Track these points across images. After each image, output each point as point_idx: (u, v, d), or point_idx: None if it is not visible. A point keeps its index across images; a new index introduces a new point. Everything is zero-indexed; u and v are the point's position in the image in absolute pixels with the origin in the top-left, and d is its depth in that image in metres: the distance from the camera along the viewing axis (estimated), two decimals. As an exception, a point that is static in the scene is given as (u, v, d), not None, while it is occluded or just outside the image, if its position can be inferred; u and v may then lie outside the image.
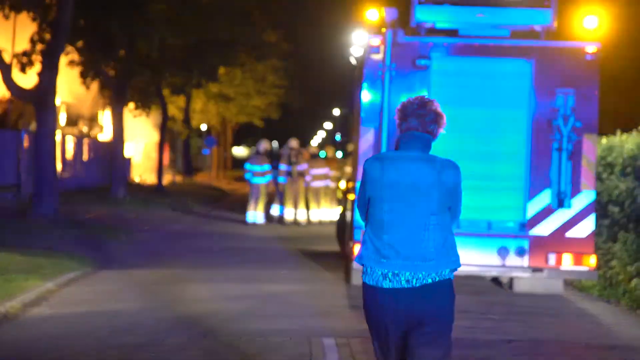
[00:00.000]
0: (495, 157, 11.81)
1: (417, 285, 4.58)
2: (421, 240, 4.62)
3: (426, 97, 5.07)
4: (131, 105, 33.95)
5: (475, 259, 11.66)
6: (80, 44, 27.53)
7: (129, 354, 8.34)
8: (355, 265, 12.00)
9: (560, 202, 11.59)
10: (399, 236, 4.62)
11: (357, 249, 11.87)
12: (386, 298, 4.62)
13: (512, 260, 11.65)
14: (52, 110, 22.90)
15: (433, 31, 12.16)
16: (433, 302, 4.68)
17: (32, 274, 12.25)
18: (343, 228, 15.88)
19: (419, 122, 4.84)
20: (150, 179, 42.36)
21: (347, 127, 17.91)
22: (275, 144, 48.02)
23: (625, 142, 13.23)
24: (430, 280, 4.60)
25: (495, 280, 12.97)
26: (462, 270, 12.07)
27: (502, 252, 11.64)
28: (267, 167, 23.37)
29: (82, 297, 11.61)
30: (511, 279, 12.52)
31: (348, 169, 19.58)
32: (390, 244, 4.62)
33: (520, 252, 11.65)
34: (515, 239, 11.66)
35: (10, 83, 22.46)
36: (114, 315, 10.28)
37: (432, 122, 4.91)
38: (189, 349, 8.55)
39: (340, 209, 18.93)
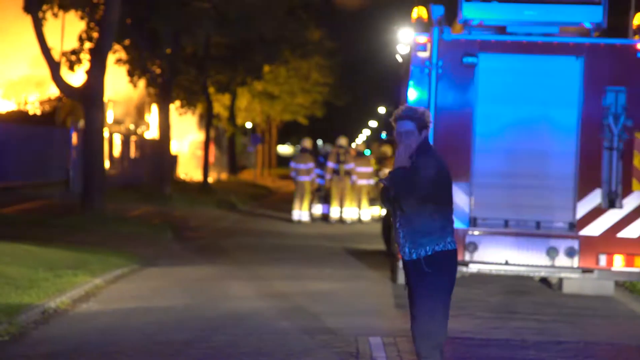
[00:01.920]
0: (544, 156, 11.66)
1: None
2: None
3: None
4: (177, 103, 34.21)
5: (523, 258, 11.58)
6: (127, 42, 27.81)
7: (177, 350, 8.38)
8: (401, 263, 12.05)
9: (611, 202, 11.38)
10: None
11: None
12: None
13: (562, 260, 11.48)
14: (100, 108, 23.11)
15: (481, 28, 11.98)
16: None
17: (81, 270, 12.41)
18: (389, 227, 15.83)
19: None
20: (196, 176, 42.58)
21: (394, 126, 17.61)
22: (319, 142, 48.11)
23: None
24: None
25: (544, 280, 12.81)
26: (511, 269, 12.02)
27: (551, 252, 11.47)
28: (311, 165, 23.39)
29: (129, 293, 11.72)
30: (560, 280, 12.37)
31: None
32: None
33: (570, 253, 11.47)
34: (565, 239, 11.48)
35: (59, 81, 22.74)
36: (162, 312, 10.36)
37: None
38: (236, 346, 8.55)
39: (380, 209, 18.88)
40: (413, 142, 5.87)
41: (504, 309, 11.09)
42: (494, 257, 11.57)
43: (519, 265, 11.59)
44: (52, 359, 8.04)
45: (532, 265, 11.61)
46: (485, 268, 11.71)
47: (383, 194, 6.08)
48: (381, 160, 24.67)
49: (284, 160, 66.46)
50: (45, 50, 22.54)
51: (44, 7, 22.83)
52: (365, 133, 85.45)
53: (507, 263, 11.56)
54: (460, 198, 11.49)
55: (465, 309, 10.88)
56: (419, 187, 5.72)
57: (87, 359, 8.07)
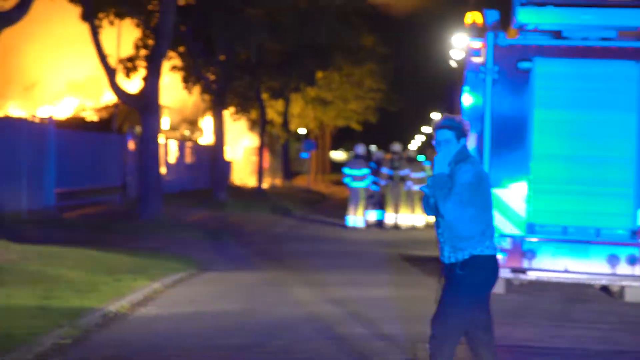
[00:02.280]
0: (603, 162, 11.45)
1: None
2: None
3: None
4: (231, 109, 34.45)
5: (583, 266, 11.46)
6: (182, 49, 28.10)
7: (235, 354, 8.46)
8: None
9: None
10: None
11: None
12: None
13: (623, 268, 11.31)
14: (156, 114, 23.36)
15: (536, 33, 11.89)
16: None
17: (140, 275, 12.56)
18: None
19: None
20: (250, 182, 42.86)
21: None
22: (373, 147, 48.09)
23: None
24: None
25: (605, 288, 12.61)
26: (570, 277, 11.86)
27: (612, 260, 11.31)
28: (366, 170, 23.36)
29: (187, 297, 11.81)
30: (622, 288, 12.12)
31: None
32: None
33: (632, 261, 11.29)
34: (626, 247, 11.32)
35: (116, 88, 23.05)
36: (219, 316, 10.42)
37: None
38: (292, 352, 8.59)
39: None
40: (451, 150, 6.09)
41: (564, 317, 10.96)
42: (553, 264, 11.48)
43: (578, 273, 11.46)
44: None
45: (592, 273, 11.45)
46: (543, 275, 11.62)
47: (424, 201, 6.30)
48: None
49: (337, 166, 66.43)
50: (102, 57, 22.85)
51: (101, 15, 23.19)
52: (419, 139, 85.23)
53: (566, 271, 11.45)
54: (518, 204, 11.50)
55: (525, 317, 10.85)
56: (457, 192, 5.92)
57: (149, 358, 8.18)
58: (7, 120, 24.54)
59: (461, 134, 6.16)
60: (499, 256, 11.54)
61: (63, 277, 11.89)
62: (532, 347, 9.17)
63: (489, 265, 6.16)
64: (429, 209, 6.21)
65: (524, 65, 11.37)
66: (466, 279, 6.06)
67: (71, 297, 10.54)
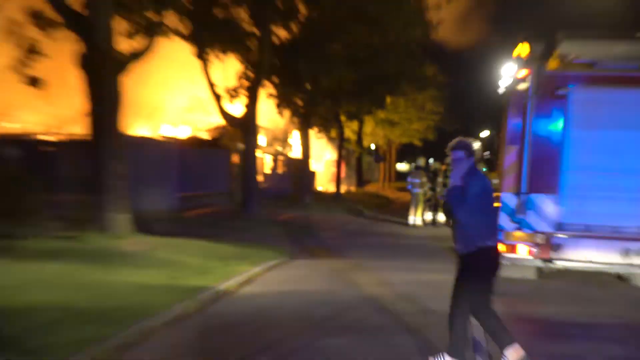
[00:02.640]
0: (620, 173, 11.34)
1: None
2: None
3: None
4: (315, 128, 34.42)
5: (601, 257, 11.42)
6: (275, 80, 28.26)
7: (317, 323, 8.62)
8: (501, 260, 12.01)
9: None
10: None
11: (499, 247, 11.94)
12: None
13: (634, 259, 11.29)
14: (255, 134, 23.74)
15: (572, 64, 11.47)
16: None
17: (243, 261, 12.74)
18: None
19: None
20: (330, 188, 42.87)
21: (493, 146, 17.50)
22: (431, 160, 47.90)
23: None
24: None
25: (619, 276, 12.51)
26: (590, 266, 11.82)
27: (625, 252, 11.29)
28: (424, 179, 23.41)
29: (281, 279, 11.92)
30: (632, 275, 12.13)
31: (495, 181, 19.34)
32: None
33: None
34: (637, 242, 11.27)
35: (223, 112, 23.46)
36: (305, 294, 10.57)
37: None
38: (364, 322, 8.72)
39: None
40: (464, 166, 6.49)
41: (585, 298, 10.97)
42: (576, 255, 11.41)
43: (597, 262, 11.40)
44: (223, 329, 8.37)
45: (608, 263, 11.38)
46: (568, 265, 11.55)
47: (445, 206, 6.96)
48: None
49: (401, 176, 65.82)
50: (211, 87, 23.28)
51: (210, 52, 23.51)
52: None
53: (588, 261, 11.40)
54: (550, 207, 11.44)
55: (553, 297, 10.89)
56: (467, 201, 6.35)
57: (250, 329, 8.35)
58: (142, 139, 25.07)
59: (470, 153, 6.54)
60: (530, 249, 11.72)
61: (184, 263, 12.18)
62: (557, 321, 9.23)
63: (491, 254, 6.57)
64: (448, 212, 6.79)
65: (561, 92, 11.24)
66: (473, 266, 6.53)
67: (191, 278, 10.82)
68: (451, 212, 6.61)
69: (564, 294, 11.22)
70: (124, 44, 16.09)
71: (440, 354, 6.79)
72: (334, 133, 38.77)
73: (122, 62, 14.84)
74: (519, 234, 11.55)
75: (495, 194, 17.23)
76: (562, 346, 7.96)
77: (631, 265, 11.36)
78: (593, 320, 9.32)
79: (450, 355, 6.70)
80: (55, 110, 42.61)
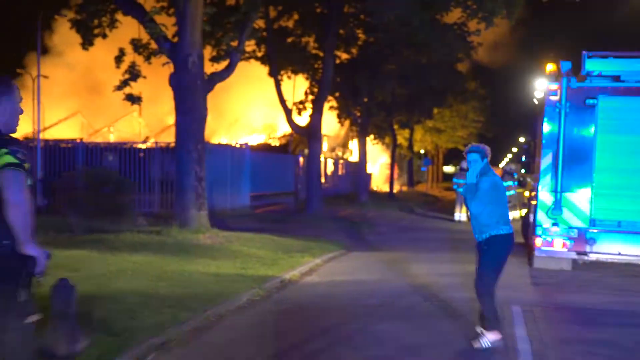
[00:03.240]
0: None
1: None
2: None
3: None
4: (371, 136, 34.49)
5: (632, 250, 11.14)
6: (337, 94, 28.41)
7: (370, 310, 8.47)
8: (537, 252, 11.56)
9: None
10: None
11: (537, 241, 11.50)
12: None
13: None
14: (319, 141, 23.82)
15: (599, 77, 11.45)
16: None
17: (306, 253, 12.73)
18: (527, 225, 15.40)
19: None
20: (384, 188, 42.79)
21: (530, 151, 17.16)
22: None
23: None
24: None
25: None
26: (622, 258, 11.42)
27: None
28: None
29: (338, 270, 11.85)
30: None
31: (530, 182, 18.87)
32: None
33: None
34: None
35: (291, 122, 23.62)
36: (360, 283, 10.43)
37: None
38: (413, 309, 8.56)
39: (525, 210, 18.24)
40: (478, 167, 6.68)
41: (617, 288, 10.52)
42: (608, 249, 11.18)
43: (628, 255, 11.12)
44: (288, 313, 8.29)
45: (638, 255, 11.12)
46: (602, 257, 11.29)
47: (463, 200, 7.01)
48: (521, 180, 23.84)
49: (447, 177, 65.38)
50: (282, 101, 23.54)
51: (282, 72, 23.91)
52: (509, 157, 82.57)
53: (619, 254, 11.14)
54: (583, 204, 11.24)
55: (587, 287, 10.46)
56: (479, 196, 6.63)
57: (310, 315, 8.28)
58: (219, 146, 25.42)
59: (484, 155, 6.73)
60: (565, 242, 11.41)
61: (253, 254, 12.18)
62: (593, 309, 8.88)
63: (504, 240, 6.74)
64: (465, 206, 6.88)
65: (590, 102, 11.11)
66: (489, 251, 6.71)
67: (259, 268, 10.83)
68: (467, 206, 6.91)
69: (597, 284, 10.80)
70: (209, 66, 16.38)
71: (481, 333, 6.78)
72: (387, 139, 38.78)
73: (207, 81, 15.08)
74: (555, 229, 11.37)
75: (527, 195, 16.78)
76: (596, 332, 7.61)
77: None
78: (624, 308, 8.91)
79: (488, 329, 6.72)
80: (146, 121, 43.60)
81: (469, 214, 7.15)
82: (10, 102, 3.98)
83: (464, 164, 25.66)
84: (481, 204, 6.68)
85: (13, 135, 4.02)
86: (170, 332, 6.84)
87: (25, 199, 3.83)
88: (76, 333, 5.73)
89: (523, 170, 24.15)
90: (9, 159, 3.78)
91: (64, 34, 35.02)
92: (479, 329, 6.82)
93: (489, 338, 6.68)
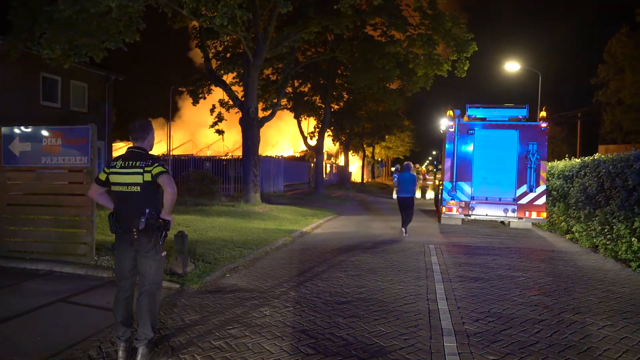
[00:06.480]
0: (500, 170, 10.94)
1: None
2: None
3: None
4: (352, 150, 34.30)
5: (491, 212, 10.79)
6: (332, 128, 28.30)
7: (351, 247, 8.31)
8: (443, 215, 11.34)
9: (531, 188, 10.74)
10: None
11: (443, 209, 11.37)
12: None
13: (509, 214, 10.77)
14: (322, 154, 23.62)
15: (475, 119, 11.42)
16: None
17: (315, 217, 12.61)
18: (437, 200, 15.39)
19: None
20: (358, 180, 42.53)
21: (439, 159, 17.03)
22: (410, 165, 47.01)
23: (558, 164, 11.94)
24: None
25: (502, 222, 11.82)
26: (488, 218, 11.21)
27: (505, 210, 10.73)
28: (396, 176, 22.64)
29: (333, 225, 11.63)
30: (509, 222, 11.55)
31: (439, 176, 18.89)
32: None
33: (513, 210, 10.80)
34: (510, 205, 10.80)
35: (306, 143, 23.45)
36: (344, 234, 10.21)
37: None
38: (377, 248, 8.41)
39: (435, 191, 18.25)
40: (401, 169, 7.81)
41: (485, 234, 10.41)
42: (481, 212, 11.05)
43: (492, 215, 10.91)
44: (304, 251, 8.04)
45: (497, 216, 10.89)
46: (477, 217, 11.14)
47: (396, 185, 9.36)
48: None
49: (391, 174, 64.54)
50: (301, 131, 23.36)
51: (302, 116, 23.76)
52: (428, 161, 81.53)
53: (486, 215, 10.92)
54: (467, 188, 11.02)
55: (469, 233, 10.38)
56: (400, 182, 8.39)
57: (317, 251, 8.03)
58: (266, 157, 24.89)
59: (402, 167, 8.02)
60: (457, 209, 11.22)
61: (285, 218, 11.97)
62: (472, 245, 8.79)
63: (406, 199, 8.62)
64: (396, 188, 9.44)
65: (471, 131, 11.02)
66: (412, 204, 8.18)
67: (288, 225, 10.62)
68: (395, 186, 8.40)
69: (475, 232, 10.75)
70: (261, 113, 16.61)
71: (403, 230, 9.09)
72: (360, 153, 38.51)
73: (260, 122, 15.02)
74: (452, 202, 11.20)
75: (437, 183, 16.72)
76: (474, 258, 7.57)
77: (507, 217, 10.95)
78: (489, 245, 8.89)
79: (404, 226, 9.02)
80: (227, 143, 43.50)
81: (434, 194, 7.49)
82: (152, 135, 3.82)
83: (397, 167, 25.34)
84: (401, 186, 8.89)
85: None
86: (239, 261, 6.78)
87: (175, 190, 3.62)
88: (187, 261, 5.90)
89: (434, 170, 24.22)
90: (161, 168, 3.65)
91: (184, 99, 35.44)
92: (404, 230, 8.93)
93: (404, 231, 8.98)
